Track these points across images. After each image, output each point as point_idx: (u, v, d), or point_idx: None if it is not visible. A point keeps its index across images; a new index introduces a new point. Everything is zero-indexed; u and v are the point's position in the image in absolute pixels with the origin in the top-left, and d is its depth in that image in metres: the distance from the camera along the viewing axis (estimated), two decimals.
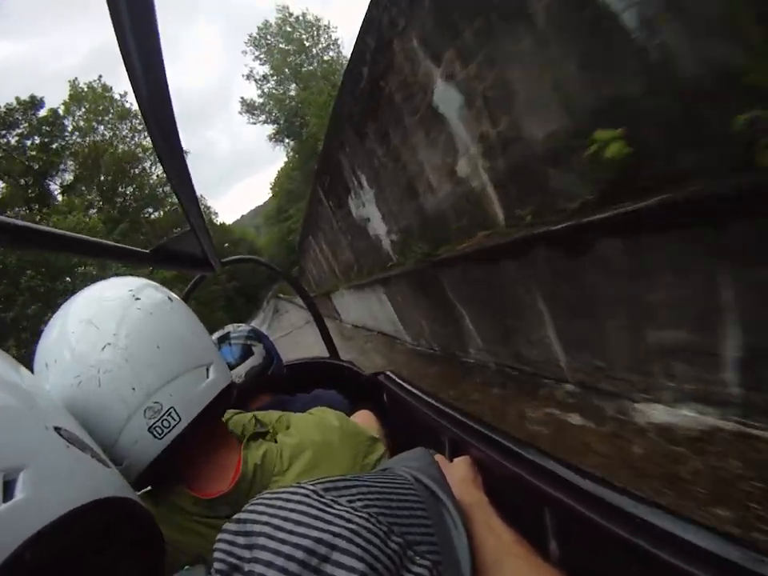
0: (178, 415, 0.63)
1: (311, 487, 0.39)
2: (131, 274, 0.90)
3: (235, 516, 0.37)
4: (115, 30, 0.39)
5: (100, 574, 0.44)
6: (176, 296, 0.77)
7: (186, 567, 0.37)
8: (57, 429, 0.44)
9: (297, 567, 0.31)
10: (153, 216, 34.57)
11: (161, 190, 33.63)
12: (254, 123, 33.63)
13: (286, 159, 39.52)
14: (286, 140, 33.68)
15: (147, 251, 1.09)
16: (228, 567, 0.33)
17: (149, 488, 0.71)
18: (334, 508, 0.36)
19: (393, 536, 0.36)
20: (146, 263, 1.11)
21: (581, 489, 0.59)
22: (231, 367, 1.30)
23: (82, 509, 0.39)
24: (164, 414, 0.62)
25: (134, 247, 1.05)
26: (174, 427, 0.62)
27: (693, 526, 0.47)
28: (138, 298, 0.68)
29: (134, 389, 0.61)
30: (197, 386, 0.67)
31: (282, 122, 32.29)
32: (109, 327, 0.63)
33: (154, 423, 0.61)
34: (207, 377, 0.69)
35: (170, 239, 1.13)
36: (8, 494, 0.35)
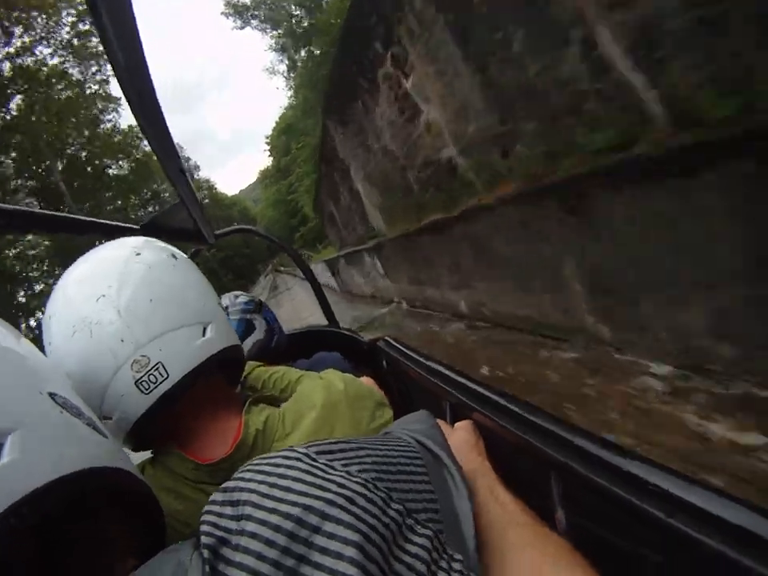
0: (166, 371, 0.62)
1: (302, 450, 0.36)
2: None
3: (223, 484, 0.35)
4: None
5: (91, 544, 0.43)
6: (183, 255, 0.76)
7: (180, 543, 0.36)
8: (51, 394, 0.43)
9: (285, 539, 0.28)
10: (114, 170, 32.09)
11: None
12: (242, 28, 27.85)
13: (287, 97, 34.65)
14: (287, 56, 27.89)
15: (137, 226, 1.07)
16: (215, 540, 0.30)
17: (150, 456, 0.72)
18: (328, 473, 0.33)
19: (391, 503, 0.33)
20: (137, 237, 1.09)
21: (588, 453, 0.57)
22: None
23: (72, 476, 0.38)
24: (151, 369, 0.61)
25: (124, 223, 1.03)
26: (160, 383, 0.61)
27: (704, 490, 0.46)
28: (138, 254, 0.68)
29: (122, 340, 0.61)
30: (189, 344, 0.65)
31: (280, 30, 26.87)
32: (105, 280, 0.63)
33: (141, 377, 0.61)
34: (204, 335, 0.68)
35: (161, 212, 1.11)
36: None
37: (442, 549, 0.32)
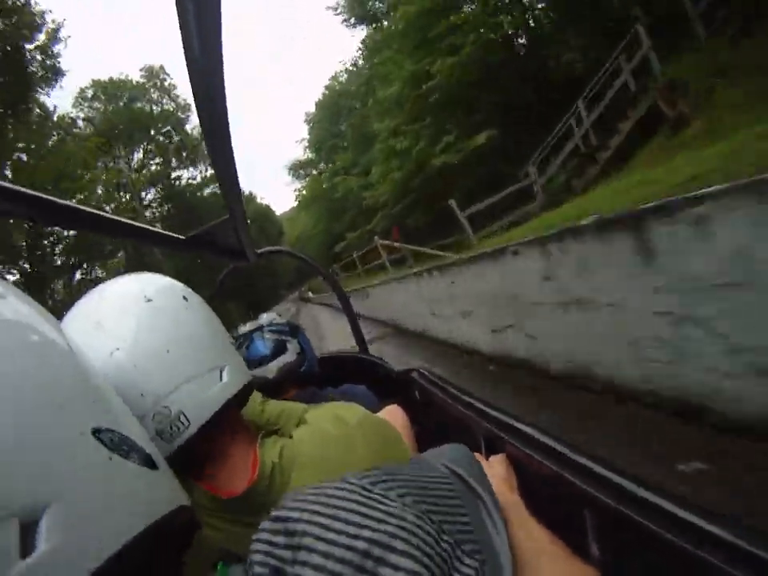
0: (188, 419, 0.62)
1: (357, 481, 0.36)
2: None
3: (273, 513, 0.34)
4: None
5: None
6: (193, 294, 0.76)
7: (220, 565, 0.34)
8: (96, 432, 0.34)
9: (351, 571, 0.28)
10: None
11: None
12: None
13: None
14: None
15: (182, 237, 1.10)
16: (269, 570, 0.30)
17: None
18: (385, 504, 0.34)
19: (444, 535, 0.34)
20: (180, 249, 1.12)
21: (622, 488, 0.57)
22: (264, 361, 1.30)
23: (133, 542, 0.32)
24: (173, 419, 0.61)
25: (169, 233, 1.05)
26: (183, 432, 0.62)
27: (739, 529, 0.45)
28: (150, 300, 0.67)
29: (142, 395, 0.60)
30: (208, 390, 0.65)
31: None
32: (118, 331, 0.63)
33: (163, 428, 0.61)
34: (221, 380, 0.68)
35: (208, 226, 1.13)
36: (27, 546, 0.26)
37: None
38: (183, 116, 34.90)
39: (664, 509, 0.51)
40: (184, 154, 35.03)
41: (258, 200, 58.72)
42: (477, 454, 0.70)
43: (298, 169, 45.32)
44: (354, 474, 0.38)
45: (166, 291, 0.71)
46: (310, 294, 28.52)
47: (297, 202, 46.18)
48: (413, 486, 0.38)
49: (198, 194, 36.57)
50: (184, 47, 0.42)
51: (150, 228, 0.96)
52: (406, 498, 0.35)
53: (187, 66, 0.46)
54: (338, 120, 36.79)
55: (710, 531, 0.46)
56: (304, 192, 44.15)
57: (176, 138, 34.41)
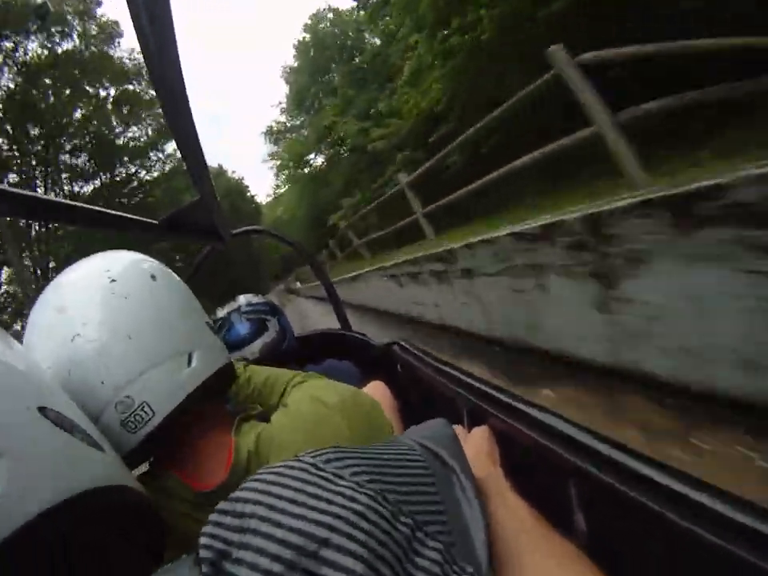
0: (152, 410, 0.60)
1: (310, 459, 0.35)
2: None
3: (229, 495, 0.34)
4: None
5: (96, 566, 0.42)
6: (163, 271, 0.73)
7: (184, 556, 0.34)
8: (41, 409, 0.40)
9: (292, 553, 0.27)
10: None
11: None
12: None
13: None
14: None
15: (155, 221, 1.07)
16: (215, 553, 0.28)
17: (144, 471, 0.69)
18: (336, 483, 0.32)
19: (401, 516, 0.32)
20: (153, 234, 1.09)
21: (608, 458, 0.56)
22: (245, 342, 1.29)
23: (74, 499, 0.36)
24: (136, 409, 0.59)
25: (142, 217, 1.03)
26: (147, 422, 0.60)
27: (727, 498, 0.45)
28: (114, 280, 0.65)
29: (102, 383, 0.59)
30: (174, 377, 0.63)
31: None
32: (80, 316, 0.61)
33: (126, 418, 0.59)
34: (189, 365, 0.65)
35: (179, 209, 1.10)
36: None
37: (453, 561, 0.31)
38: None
39: (651, 479, 0.51)
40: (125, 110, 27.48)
41: (230, 174, 54.04)
42: (459, 427, 0.70)
43: (275, 134, 39.50)
44: (311, 451, 0.37)
45: (132, 270, 0.68)
46: (298, 284, 23.41)
47: (275, 172, 40.89)
48: (372, 464, 0.37)
49: (140, 161, 29.37)
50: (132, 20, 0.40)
51: (120, 214, 0.93)
52: (360, 476, 0.34)
53: (139, 41, 0.44)
54: (323, 67, 31.74)
55: (698, 501, 0.46)
56: (281, 160, 37.45)
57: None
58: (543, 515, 0.50)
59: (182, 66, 0.50)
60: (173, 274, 0.76)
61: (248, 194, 58.32)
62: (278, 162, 39.41)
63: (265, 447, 0.68)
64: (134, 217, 0.98)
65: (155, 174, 30.30)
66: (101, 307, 0.62)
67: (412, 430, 0.56)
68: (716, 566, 0.43)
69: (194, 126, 0.64)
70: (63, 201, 0.69)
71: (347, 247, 13.51)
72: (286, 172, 38.81)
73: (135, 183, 29.51)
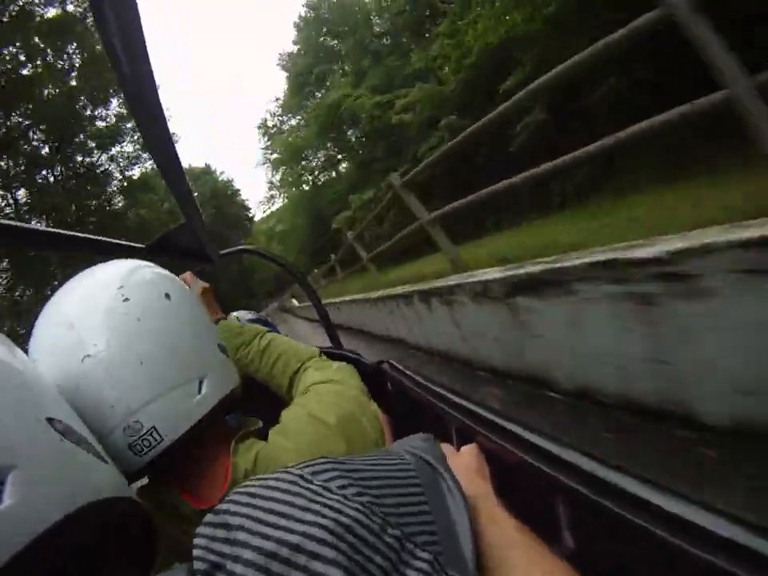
0: (160, 435, 0.60)
1: (297, 471, 0.35)
2: None
3: (216, 506, 0.34)
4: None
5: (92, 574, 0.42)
6: (177, 287, 0.71)
7: (176, 565, 0.34)
8: (49, 420, 0.40)
9: (280, 566, 0.27)
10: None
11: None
12: None
13: None
14: None
15: (142, 246, 1.08)
16: (209, 566, 0.29)
17: (144, 484, 0.69)
18: (324, 496, 0.32)
19: (389, 528, 0.32)
20: (142, 257, 1.09)
21: (595, 477, 0.57)
22: None
23: (78, 513, 0.36)
24: (144, 434, 0.59)
25: (129, 242, 1.03)
26: (154, 447, 0.59)
27: (716, 515, 0.45)
28: (126, 299, 0.63)
29: (112, 406, 0.58)
30: (183, 404, 0.62)
31: None
32: (90, 334, 0.60)
33: (134, 441, 0.59)
34: (199, 392, 0.64)
35: (166, 232, 1.11)
36: None
37: (442, 570, 0.31)
38: None
39: (639, 497, 0.51)
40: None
41: (218, 174, 50.87)
42: (446, 445, 0.70)
43: (270, 129, 36.79)
44: (301, 463, 0.38)
45: (146, 288, 0.67)
46: (294, 301, 20.31)
47: (270, 169, 37.77)
48: (361, 477, 0.37)
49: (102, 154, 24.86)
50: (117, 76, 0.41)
51: (108, 239, 0.93)
52: (348, 489, 0.35)
53: (122, 89, 0.45)
54: (327, 47, 28.95)
55: (686, 519, 0.46)
56: (277, 155, 34.80)
57: None
58: (531, 530, 0.50)
59: (159, 86, 0.52)
60: (187, 290, 0.74)
61: (238, 197, 54.23)
62: (273, 157, 36.20)
63: (262, 467, 0.68)
64: (121, 242, 0.98)
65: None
66: (113, 328, 0.61)
67: (399, 442, 0.56)
68: None
69: (175, 149, 0.64)
70: (48, 229, 0.70)
71: (355, 262, 10.37)
72: (282, 171, 35.88)
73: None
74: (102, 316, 0.61)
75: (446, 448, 0.70)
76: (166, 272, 0.74)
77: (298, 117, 34.01)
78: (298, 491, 0.33)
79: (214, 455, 0.69)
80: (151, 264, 0.74)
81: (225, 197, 49.93)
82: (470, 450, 0.72)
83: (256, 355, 1.03)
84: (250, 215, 55.29)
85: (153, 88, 0.48)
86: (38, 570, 0.33)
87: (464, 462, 0.67)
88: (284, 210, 41.10)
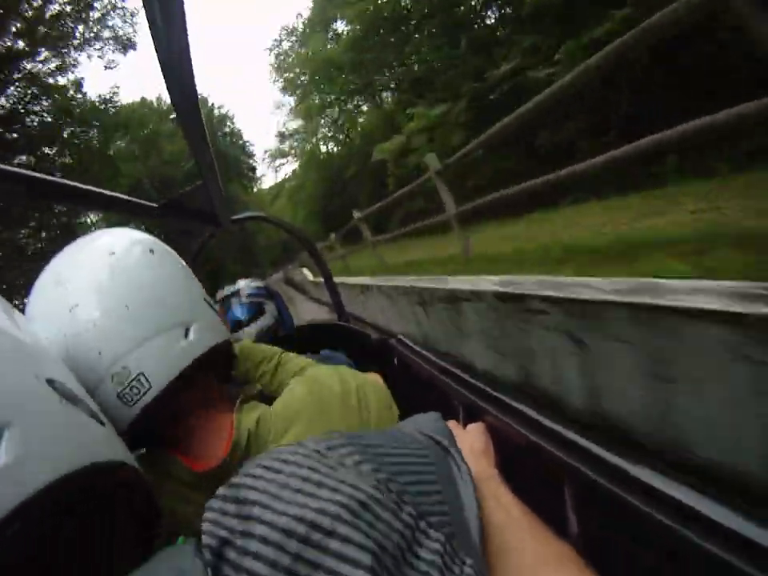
0: (148, 381, 0.59)
1: (313, 446, 0.35)
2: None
3: (231, 479, 0.33)
4: None
5: (91, 544, 0.42)
6: (162, 247, 0.72)
7: (181, 538, 0.33)
8: (50, 381, 0.40)
9: (298, 544, 0.27)
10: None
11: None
12: None
13: None
14: None
15: (155, 204, 1.06)
16: (218, 541, 0.28)
17: (143, 451, 0.69)
18: (339, 471, 0.32)
19: (404, 506, 0.32)
20: (153, 216, 1.08)
21: (601, 459, 0.57)
22: (242, 325, 1.29)
23: (76, 473, 0.36)
24: (132, 380, 0.59)
25: (142, 201, 1.02)
26: (144, 394, 0.59)
27: (716, 502, 0.46)
28: (112, 253, 0.65)
29: (99, 353, 0.58)
30: (171, 349, 0.62)
31: None
32: (78, 287, 0.61)
33: (123, 390, 0.58)
34: (186, 337, 0.65)
35: (182, 192, 1.10)
36: None
37: (454, 553, 0.31)
38: None
39: (643, 482, 0.51)
40: None
41: (214, 107, 39.98)
42: (454, 422, 0.70)
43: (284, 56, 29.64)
44: (315, 437, 0.37)
45: (131, 244, 0.68)
46: (306, 272, 13.21)
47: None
48: (376, 453, 0.37)
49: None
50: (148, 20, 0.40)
51: (121, 196, 0.92)
52: (364, 464, 0.34)
53: (151, 33, 0.43)
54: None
55: (690, 506, 0.46)
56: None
57: None
58: (536, 512, 0.50)
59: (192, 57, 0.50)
60: (171, 250, 0.75)
61: (240, 140, 44.01)
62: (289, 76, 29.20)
63: (265, 428, 0.68)
64: (133, 199, 0.97)
65: None
66: (99, 278, 0.62)
67: (407, 420, 0.56)
68: (706, 568, 0.44)
69: (200, 111, 0.63)
70: (64, 181, 0.69)
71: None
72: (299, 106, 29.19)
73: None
74: (88, 270, 0.62)
75: (453, 425, 0.70)
76: (151, 237, 0.75)
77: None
78: (313, 465, 0.32)
79: (215, 416, 0.69)
80: (137, 231, 0.75)
81: (222, 137, 40.86)
82: (476, 429, 0.72)
83: (269, 373, 1.01)
84: (253, 164, 45.38)
85: (185, 41, 0.46)
86: (30, 531, 0.33)
87: (470, 441, 0.67)
88: (295, 174, 35.65)
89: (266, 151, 42.50)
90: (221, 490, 0.32)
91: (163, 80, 0.53)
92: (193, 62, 0.51)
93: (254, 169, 45.57)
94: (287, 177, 39.79)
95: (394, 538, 0.29)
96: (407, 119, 13.37)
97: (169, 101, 0.61)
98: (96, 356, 0.58)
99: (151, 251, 0.69)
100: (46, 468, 0.34)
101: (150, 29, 0.43)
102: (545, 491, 0.60)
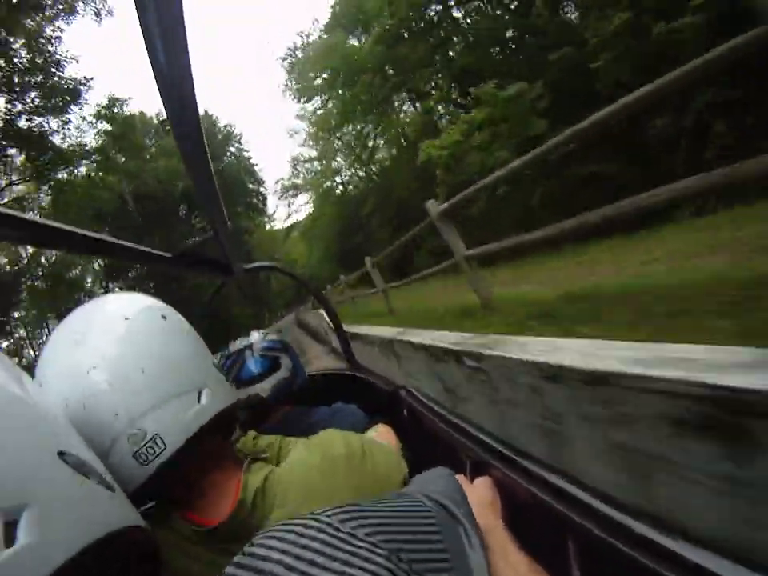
0: (164, 443, 0.62)
1: (327, 519, 0.36)
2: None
3: (245, 548, 0.34)
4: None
5: None
6: (173, 313, 0.76)
7: None
8: (61, 454, 0.41)
9: None
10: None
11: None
12: None
13: None
14: None
15: (168, 254, 1.09)
16: None
17: (149, 506, 0.70)
18: (352, 544, 0.33)
19: (413, 575, 0.33)
20: (165, 266, 1.11)
21: (607, 517, 0.57)
22: (256, 380, 1.28)
23: (93, 545, 0.37)
24: (148, 441, 0.61)
25: (155, 250, 1.04)
26: (159, 455, 0.61)
27: (723, 559, 0.45)
28: (127, 318, 0.68)
29: (116, 414, 0.60)
30: (185, 413, 0.65)
31: None
32: (96, 348, 0.64)
33: (138, 450, 0.60)
34: (199, 402, 0.68)
35: (193, 243, 1.13)
36: (9, 538, 0.32)
37: None
38: None
39: (649, 538, 0.51)
40: None
41: (216, 120, 36.77)
42: (461, 476, 0.69)
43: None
44: (327, 509, 0.38)
45: (145, 310, 0.72)
46: (324, 315, 6.95)
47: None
48: (386, 523, 0.38)
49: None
50: (149, 58, 0.41)
51: (134, 246, 0.95)
52: (375, 536, 0.35)
53: (155, 76, 0.44)
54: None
55: (694, 562, 0.46)
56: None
57: None
58: (541, 566, 0.50)
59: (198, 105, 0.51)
60: (181, 316, 0.79)
61: (247, 161, 39.24)
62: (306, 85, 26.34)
63: (272, 488, 0.69)
64: (148, 249, 0.99)
65: None
66: (116, 342, 0.65)
67: (417, 479, 0.58)
68: None
69: (207, 157, 0.65)
70: (80, 230, 0.70)
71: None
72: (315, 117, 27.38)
73: None
74: (106, 332, 0.66)
75: (460, 479, 0.69)
76: (161, 302, 0.79)
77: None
78: (327, 539, 0.33)
79: (223, 473, 0.70)
80: (148, 296, 0.79)
81: (227, 161, 36.30)
82: (483, 483, 0.72)
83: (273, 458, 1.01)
84: (263, 191, 40.88)
85: (192, 97, 0.48)
86: None
87: (477, 495, 0.67)
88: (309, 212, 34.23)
89: (277, 181, 38.02)
90: (237, 558, 0.33)
91: (171, 130, 0.54)
92: (197, 103, 0.51)
93: (264, 198, 41.11)
94: (297, 222, 38.24)
95: None
96: (451, 121, 11.62)
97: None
98: (112, 417, 0.60)
99: (164, 317, 0.73)
100: (65, 545, 0.35)
101: (154, 74, 0.44)
102: (549, 546, 0.60)
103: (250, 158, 40.21)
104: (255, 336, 1.41)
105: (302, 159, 33.38)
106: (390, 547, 0.34)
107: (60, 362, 0.64)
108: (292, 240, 41.65)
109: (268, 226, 47.26)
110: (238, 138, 39.17)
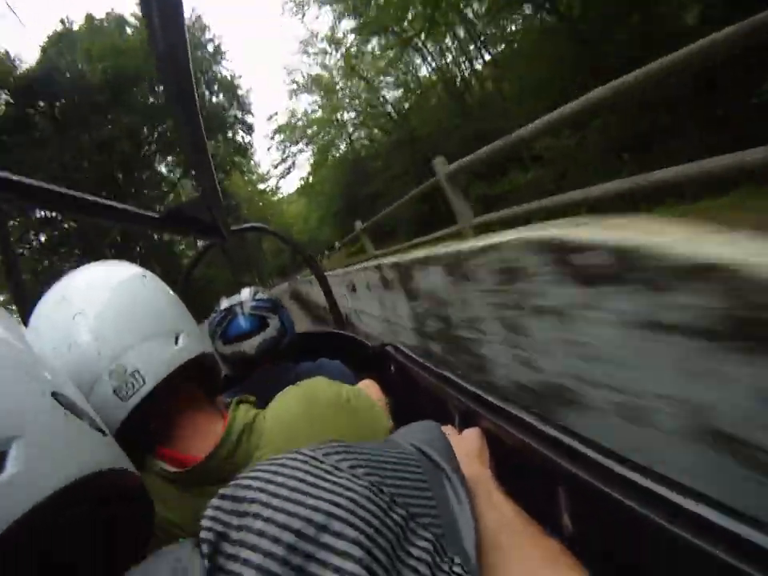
0: (142, 377, 0.64)
1: (310, 453, 0.37)
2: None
3: (231, 482, 0.35)
4: None
5: (92, 550, 0.44)
6: (152, 275, 0.80)
7: (178, 543, 0.35)
8: (54, 394, 0.42)
9: (292, 537, 0.28)
10: None
11: None
12: None
13: None
14: None
15: (157, 215, 1.08)
16: (215, 535, 0.30)
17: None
18: (334, 474, 0.34)
19: (395, 507, 0.34)
20: (155, 227, 1.10)
21: (597, 463, 0.58)
22: (244, 337, 1.29)
23: (83, 480, 0.38)
24: (128, 376, 0.64)
25: (145, 211, 1.04)
26: (138, 389, 0.64)
27: (713, 504, 0.46)
28: (110, 276, 0.73)
29: (99, 353, 0.64)
30: (163, 351, 0.69)
31: None
32: (80, 299, 0.68)
33: (119, 385, 0.63)
34: (176, 344, 0.71)
35: (181, 204, 1.12)
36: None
37: (443, 552, 0.33)
38: None
39: (638, 483, 0.52)
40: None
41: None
42: (450, 427, 0.71)
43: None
44: (312, 445, 0.39)
45: (126, 269, 0.77)
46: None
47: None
48: (369, 460, 0.39)
49: None
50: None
51: (124, 206, 0.94)
52: (357, 469, 0.36)
53: (148, 29, 0.44)
54: None
55: (684, 507, 0.47)
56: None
57: None
58: (531, 516, 0.51)
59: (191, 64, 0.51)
60: (160, 280, 0.83)
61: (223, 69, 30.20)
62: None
63: (259, 427, 0.72)
64: (136, 210, 0.99)
65: None
66: (99, 292, 0.69)
67: (402, 431, 0.58)
68: (700, 567, 0.44)
69: (199, 118, 0.65)
70: (66, 190, 0.71)
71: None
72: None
73: None
74: (90, 288, 0.71)
75: (448, 430, 0.72)
76: (140, 267, 0.83)
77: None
78: (309, 469, 0.34)
79: (206, 416, 0.73)
80: (130, 263, 0.83)
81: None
82: (471, 434, 0.73)
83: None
84: (250, 120, 32.29)
85: (185, 55, 0.48)
86: (36, 539, 0.34)
87: (465, 446, 0.69)
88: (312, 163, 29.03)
89: (270, 117, 29.29)
90: (222, 490, 0.34)
91: (163, 89, 0.54)
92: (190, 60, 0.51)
93: (250, 127, 32.53)
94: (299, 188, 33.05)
95: (385, 534, 0.31)
96: None
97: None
98: (95, 356, 0.64)
99: (144, 276, 0.77)
100: (54, 476, 0.36)
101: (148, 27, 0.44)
102: (539, 494, 0.61)
103: (233, 76, 31.58)
104: (245, 294, 1.40)
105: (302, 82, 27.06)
106: (372, 479, 0.35)
107: (48, 313, 0.68)
108: (288, 200, 38.21)
109: (261, 186, 41.88)
110: (224, 54, 30.53)
